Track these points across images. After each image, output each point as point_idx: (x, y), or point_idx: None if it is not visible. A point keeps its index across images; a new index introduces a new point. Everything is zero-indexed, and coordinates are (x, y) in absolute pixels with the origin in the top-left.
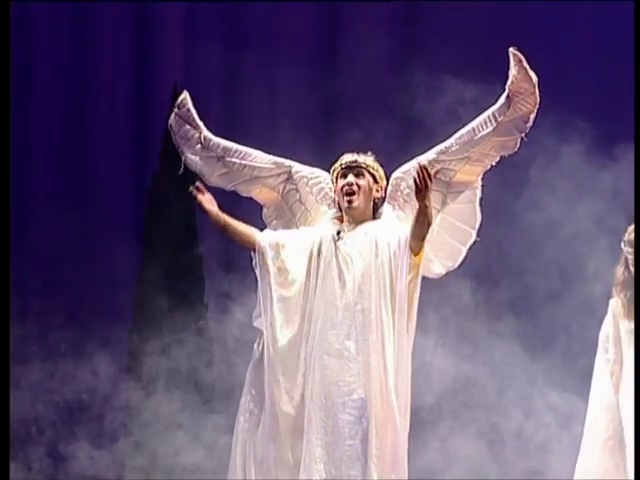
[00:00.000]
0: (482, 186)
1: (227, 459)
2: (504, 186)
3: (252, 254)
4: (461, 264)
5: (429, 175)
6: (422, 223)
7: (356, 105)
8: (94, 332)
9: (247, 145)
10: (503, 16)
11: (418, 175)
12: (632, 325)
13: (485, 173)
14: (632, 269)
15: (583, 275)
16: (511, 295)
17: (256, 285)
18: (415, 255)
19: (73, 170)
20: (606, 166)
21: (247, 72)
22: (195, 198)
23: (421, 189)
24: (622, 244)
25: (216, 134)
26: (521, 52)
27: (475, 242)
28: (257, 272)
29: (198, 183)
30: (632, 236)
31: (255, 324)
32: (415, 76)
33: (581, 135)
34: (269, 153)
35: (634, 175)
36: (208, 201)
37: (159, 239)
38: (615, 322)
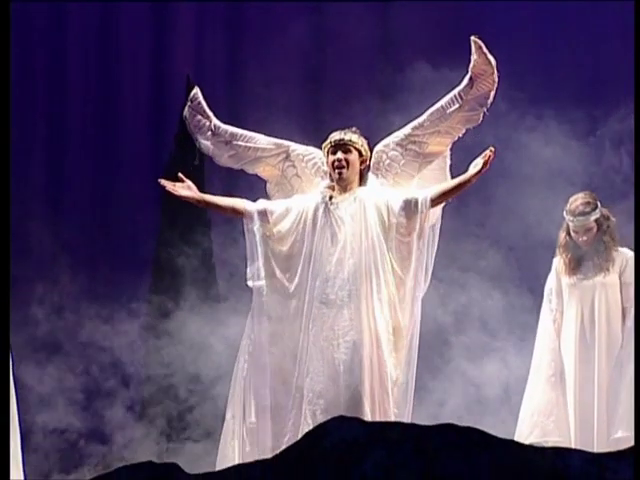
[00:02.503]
0: (452, 155)
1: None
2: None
3: (243, 220)
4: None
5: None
6: (457, 193)
7: (344, 87)
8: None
9: (247, 123)
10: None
11: (488, 159)
12: (571, 280)
13: (454, 143)
14: (573, 234)
15: None
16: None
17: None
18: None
19: (103, 148)
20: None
21: (247, 62)
22: (165, 190)
23: (482, 169)
24: (564, 213)
25: (222, 117)
26: (482, 39)
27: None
28: (246, 236)
29: (164, 182)
30: (572, 206)
31: (249, 284)
32: (393, 61)
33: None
34: (266, 131)
35: (634, 174)
36: (184, 188)
37: (174, 207)
38: (557, 278)
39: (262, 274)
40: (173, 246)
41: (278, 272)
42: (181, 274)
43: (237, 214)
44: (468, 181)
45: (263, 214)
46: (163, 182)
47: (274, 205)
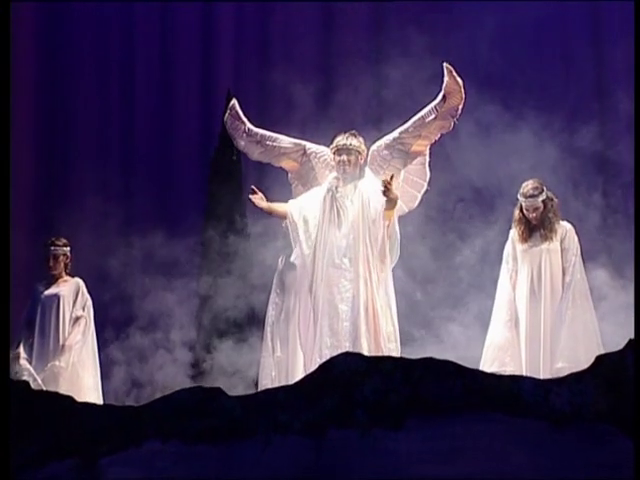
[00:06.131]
0: (430, 153)
1: None
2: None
3: (286, 222)
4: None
5: (390, 186)
6: (390, 204)
7: (346, 98)
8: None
9: (274, 123)
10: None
11: (385, 187)
12: (524, 247)
13: (432, 145)
14: (525, 211)
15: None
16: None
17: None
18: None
19: (161, 144)
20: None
21: (275, 80)
22: (251, 200)
23: (387, 194)
24: (518, 195)
25: (253, 120)
26: (452, 64)
27: (426, 190)
28: (290, 227)
29: (253, 187)
30: (524, 190)
31: (296, 262)
32: (385, 68)
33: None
34: (288, 131)
35: (634, 176)
36: (260, 199)
37: (217, 190)
38: (513, 245)
39: (300, 251)
40: (217, 212)
41: (305, 247)
42: (224, 234)
43: (286, 217)
44: (388, 200)
45: (305, 219)
46: (253, 189)
47: (304, 202)
